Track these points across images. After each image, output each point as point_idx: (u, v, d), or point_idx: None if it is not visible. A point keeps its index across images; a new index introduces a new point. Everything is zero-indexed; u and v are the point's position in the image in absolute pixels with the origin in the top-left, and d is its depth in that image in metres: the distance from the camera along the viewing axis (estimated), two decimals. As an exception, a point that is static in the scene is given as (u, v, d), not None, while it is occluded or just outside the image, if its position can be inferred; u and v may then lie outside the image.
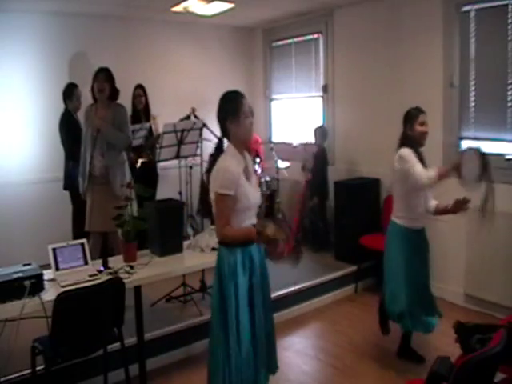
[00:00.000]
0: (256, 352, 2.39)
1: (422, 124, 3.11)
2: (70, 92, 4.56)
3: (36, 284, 2.45)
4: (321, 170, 5.29)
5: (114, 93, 3.78)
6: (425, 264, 3.26)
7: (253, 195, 2.44)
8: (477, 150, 2.93)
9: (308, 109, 5.91)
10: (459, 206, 3.05)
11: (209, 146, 5.17)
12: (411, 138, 3.12)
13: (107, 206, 3.62)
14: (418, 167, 2.99)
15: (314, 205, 5.36)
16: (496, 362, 1.90)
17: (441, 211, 3.20)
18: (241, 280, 2.38)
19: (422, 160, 3.09)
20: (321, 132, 5.33)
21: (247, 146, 2.56)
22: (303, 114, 5.98)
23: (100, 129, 3.69)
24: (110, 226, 3.59)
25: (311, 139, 5.43)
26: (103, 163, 3.74)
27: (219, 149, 2.49)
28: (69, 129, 4.46)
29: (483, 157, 2.89)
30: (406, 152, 3.06)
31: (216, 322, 2.40)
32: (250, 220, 2.46)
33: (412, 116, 3.14)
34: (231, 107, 2.40)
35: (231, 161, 2.37)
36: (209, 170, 2.54)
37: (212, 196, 2.38)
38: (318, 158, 5.31)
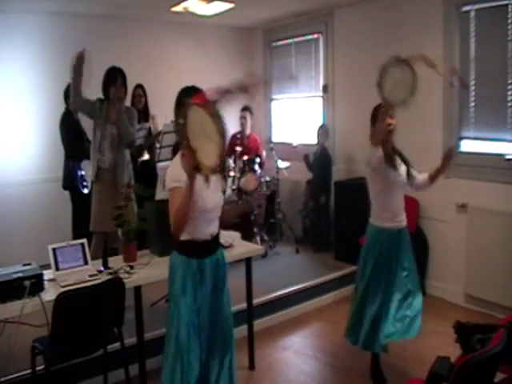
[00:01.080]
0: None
1: (386, 118, 2.90)
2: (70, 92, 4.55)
3: (36, 284, 2.45)
4: (324, 170, 5.28)
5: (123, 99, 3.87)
6: (394, 272, 3.06)
7: (209, 197, 2.29)
8: None
9: (308, 109, 5.91)
10: (447, 159, 2.91)
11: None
12: (379, 136, 2.93)
13: (113, 205, 3.67)
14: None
15: (314, 205, 5.36)
16: (496, 362, 1.90)
17: (434, 175, 2.99)
18: (188, 292, 2.30)
19: (392, 157, 2.92)
20: (323, 131, 5.33)
21: None
22: (303, 114, 5.98)
23: (118, 116, 3.73)
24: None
25: (313, 139, 5.43)
26: (113, 155, 3.76)
27: (177, 148, 2.33)
28: (69, 128, 4.46)
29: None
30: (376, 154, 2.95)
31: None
32: (208, 227, 2.32)
33: (374, 113, 3.00)
34: (175, 106, 2.32)
35: (175, 163, 2.26)
36: None
37: (167, 196, 2.28)
38: (320, 158, 5.30)
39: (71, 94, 3.66)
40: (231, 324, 2.47)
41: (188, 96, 2.22)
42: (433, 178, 3.00)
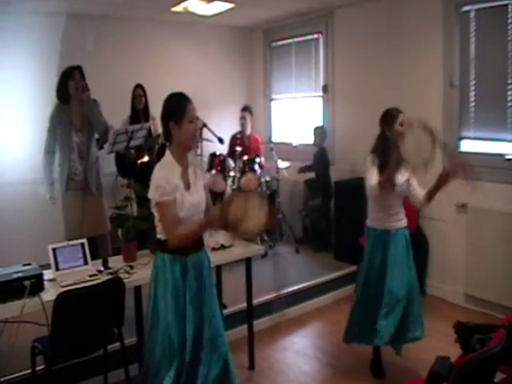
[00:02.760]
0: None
1: (402, 125, 2.96)
2: None
3: (36, 284, 2.45)
4: (322, 170, 5.29)
5: (87, 90, 3.72)
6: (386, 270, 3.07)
7: (191, 203, 2.32)
8: None
9: (308, 109, 5.91)
10: (445, 176, 2.85)
11: (209, 146, 5.20)
12: (389, 139, 2.98)
13: (91, 211, 3.69)
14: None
15: (316, 205, 5.36)
16: (496, 362, 1.90)
17: (431, 193, 2.95)
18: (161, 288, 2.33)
19: (398, 162, 2.89)
20: (320, 132, 5.33)
21: (190, 150, 2.44)
22: (303, 114, 5.98)
23: (87, 106, 3.66)
24: (99, 229, 3.67)
25: (310, 139, 5.43)
26: (83, 166, 3.72)
27: (161, 153, 2.38)
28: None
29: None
30: (367, 172, 2.99)
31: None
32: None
33: (392, 116, 3.02)
34: (175, 111, 2.33)
35: (163, 171, 2.30)
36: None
37: (153, 204, 2.31)
38: (318, 159, 5.31)
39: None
40: (220, 324, 2.47)
41: (174, 105, 2.32)
42: (430, 196, 2.97)
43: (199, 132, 2.39)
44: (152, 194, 2.29)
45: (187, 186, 2.35)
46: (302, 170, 5.41)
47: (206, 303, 2.40)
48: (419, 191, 3.03)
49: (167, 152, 2.38)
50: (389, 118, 3.04)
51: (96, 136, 3.89)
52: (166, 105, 2.37)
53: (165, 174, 2.29)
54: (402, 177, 2.98)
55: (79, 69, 3.70)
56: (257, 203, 2.16)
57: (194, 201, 2.35)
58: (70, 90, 3.66)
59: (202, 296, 2.39)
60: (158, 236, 2.38)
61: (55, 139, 3.76)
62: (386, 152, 2.93)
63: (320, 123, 5.55)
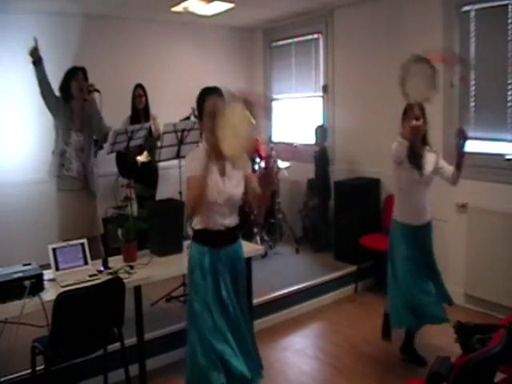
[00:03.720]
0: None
1: (412, 119, 3.00)
2: None
3: (36, 284, 2.45)
4: (322, 170, 5.28)
5: (95, 91, 3.72)
6: (422, 262, 3.20)
7: (222, 190, 2.33)
8: None
9: (308, 109, 5.91)
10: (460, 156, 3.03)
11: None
12: (404, 136, 3.05)
13: (86, 212, 3.69)
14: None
15: (314, 205, 5.35)
16: (496, 362, 1.90)
17: (457, 169, 3.08)
18: (207, 281, 2.35)
19: (417, 157, 3.01)
20: (321, 131, 5.33)
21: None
22: (303, 114, 5.98)
23: (91, 107, 3.67)
24: (92, 230, 3.67)
25: (312, 139, 5.43)
26: (81, 163, 3.68)
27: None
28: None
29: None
30: (393, 146, 3.07)
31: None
32: (223, 219, 2.38)
33: (405, 111, 3.05)
34: (197, 105, 2.36)
35: (196, 153, 2.37)
36: None
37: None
38: (318, 158, 5.31)
39: (37, 76, 3.59)
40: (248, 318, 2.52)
41: (197, 99, 2.34)
42: (456, 177, 3.10)
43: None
44: (184, 173, 2.34)
45: (222, 173, 2.36)
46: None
47: (239, 299, 2.43)
48: (449, 168, 3.11)
49: (200, 145, 2.44)
50: (403, 115, 3.08)
51: (94, 137, 3.89)
52: (201, 96, 2.38)
53: (197, 155, 2.34)
54: (429, 165, 3.05)
55: (83, 70, 3.71)
56: (245, 124, 2.13)
57: (226, 188, 2.35)
58: (73, 90, 3.66)
59: (236, 291, 2.41)
60: (192, 225, 2.43)
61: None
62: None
63: (320, 123, 5.55)
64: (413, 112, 2.98)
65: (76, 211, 3.68)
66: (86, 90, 3.63)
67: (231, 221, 2.43)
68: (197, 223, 2.40)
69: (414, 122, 2.99)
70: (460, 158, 3.01)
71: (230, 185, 2.37)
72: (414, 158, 3.00)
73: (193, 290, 2.39)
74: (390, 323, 3.28)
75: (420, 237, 3.18)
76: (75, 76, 3.66)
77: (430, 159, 3.09)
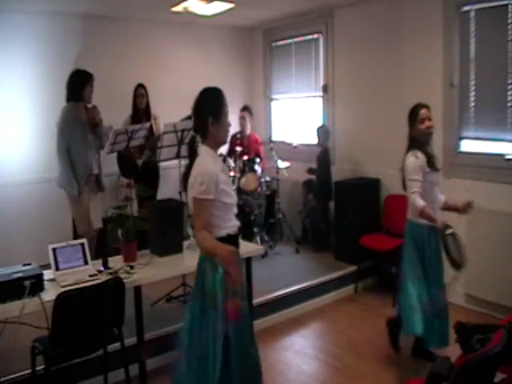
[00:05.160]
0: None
1: (423, 121, 3.05)
2: None
3: (36, 284, 2.45)
4: (324, 170, 5.27)
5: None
6: (430, 265, 3.16)
7: (233, 191, 2.42)
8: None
9: (308, 109, 5.91)
10: (468, 207, 3.10)
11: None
12: (416, 139, 3.08)
13: (97, 207, 4.05)
14: (415, 190, 3.01)
15: (315, 205, 5.35)
16: (496, 362, 1.90)
17: (449, 207, 3.20)
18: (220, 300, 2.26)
19: (431, 161, 3.05)
20: (323, 131, 5.32)
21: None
22: (303, 114, 5.98)
23: (99, 124, 3.96)
24: (99, 224, 4.08)
25: (313, 139, 5.42)
26: (98, 161, 4.03)
27: (193, 152, 2.38)
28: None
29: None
30: (411, 164, 3.05)
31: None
32: (236, 221, 2.42)
33: (413, 114, 3.08)
34: (213, 106, 2.30)
35: (207, 160, 2.28)
36: (186, 174, 2.39)
37: (190, 200, 2.30)
38: (321, 158, 5.29)
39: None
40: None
41: (212, 100, 2.31)
42: (446, 207, 3.18)
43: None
44: (196, 189, 2.22)
45: (226, 174, 2.44)
46: (311, 171, 5.37)
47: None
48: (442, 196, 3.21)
49: (205, 147, 2.32)
50: (411, 116, 3.09)
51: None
52: (204, 100, 2.32)
53: (206, 164, 2.26)
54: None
55: (93, 77, 3.95)
56: None
57: (232, 187, 2.45)
58: (85, 94, 3.88)
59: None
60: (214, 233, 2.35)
61: (68, 138, 3.86)
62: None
63: (321, 123, 5.54)
64: (425, 113, 3.05)
65: (92, 207, 4.01)
66: (90, 97, 3.93)
67: (237, 222, 2.46)
68: (219, 230, 2.31)
69: (429, 123, 3.05)
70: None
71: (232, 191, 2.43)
72: (432, 161, 3.06)
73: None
74: (398, 328, 3.25)
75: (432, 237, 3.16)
76: (90, 81, 3.90)
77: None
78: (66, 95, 3.92)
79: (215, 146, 2.37)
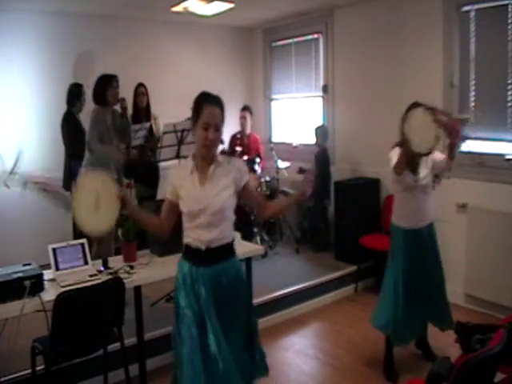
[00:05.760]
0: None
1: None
2: (78, 93, 4.56)
3: (36, 284, 2.45)
4: (323, 171, 5.27)
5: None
6: (423, 269, 3.14)
7: (197, 200, 2.11)
8: None
9: (308, 109, 5.91)
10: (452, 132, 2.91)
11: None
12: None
13: None
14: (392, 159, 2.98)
15: (314, 206, 5.34)
16: (496, 362, 1.90)
17: (450, 152, 2.95)
18: (182, 298, 2.17)
19: (415, 162, 2.98)
20: (321, 131, 5.32)
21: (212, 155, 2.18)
22: (303, 114, 5.98)
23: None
24: None
25: (311, 139, 5.42)
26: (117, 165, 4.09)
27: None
28: (71, 128, 4.46)
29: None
30: (391, 153, 3.04)
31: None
32: (202, 234, 2.12)
33: (404, 115, 2.97)
34: (192, 113, 2.13)
35: (177, 167, 2.38)
36: None
37: None
38: (319, 158, 5.29)
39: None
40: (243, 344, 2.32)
41: (194, 104, 2.14)
42: (450, 156, 2.97)
43: (216, 142, 2.16)
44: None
45: (202, 182, 2.15)
46: (302, 171, 5.37)
47: (226, 326, 2.14)
48: (442, 159, 3.03)
49: (192, 152, 2.26)
50: (403, 117, 2.98)
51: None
52: (197, 102, 2.16)
53: (174, 172, 2.32)
54: (424, 170, 3.01)
55: (116, 77, 4.05)
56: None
57: (203, 196, 2.11)
58: (109, 97, 3.97)
59: (223, 317, 2.13)
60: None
61: (96, 139, 3.96)
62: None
63: (320, 123, 5.54)
64: (409, 118, 2.92)
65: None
66: (116, 98, 4.09)
67: (213, 236, 2.12)
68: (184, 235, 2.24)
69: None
70: (452, 149, 2.93)
71: (210, 192, 2.13)
72: (410, 162, 2.97)
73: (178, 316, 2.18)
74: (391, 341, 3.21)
75: (420, 240, 3.13)
76: (111, 84, 4.00)
77: (424, 169, 3.05)
78: (93, 99, 4.09)
79: (198, 153, 2.18)
